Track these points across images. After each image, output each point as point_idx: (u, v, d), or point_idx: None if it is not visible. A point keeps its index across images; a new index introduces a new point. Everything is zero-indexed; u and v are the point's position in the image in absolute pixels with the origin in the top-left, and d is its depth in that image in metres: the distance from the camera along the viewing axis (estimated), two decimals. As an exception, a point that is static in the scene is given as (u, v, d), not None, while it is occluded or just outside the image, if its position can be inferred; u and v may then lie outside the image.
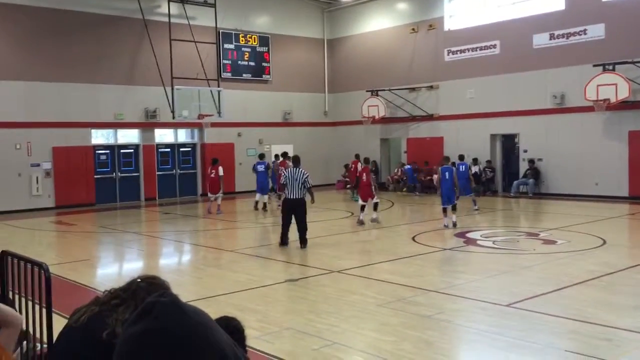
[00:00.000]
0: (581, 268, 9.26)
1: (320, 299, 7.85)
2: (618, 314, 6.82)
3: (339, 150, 26.01)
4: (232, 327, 2.26)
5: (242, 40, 24.70)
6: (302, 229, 11.23)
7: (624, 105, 18.25)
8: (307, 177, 11.16)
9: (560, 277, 8.60)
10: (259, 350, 5.60)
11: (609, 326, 6.28)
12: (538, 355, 5.69)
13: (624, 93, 17.80)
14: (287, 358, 5.69)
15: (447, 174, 14.08)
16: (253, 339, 5.65)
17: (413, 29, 24.19)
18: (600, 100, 18.24)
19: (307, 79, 26.71)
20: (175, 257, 12.34)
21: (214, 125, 22.73)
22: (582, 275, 8.68)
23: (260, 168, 18.42)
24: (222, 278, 9.46)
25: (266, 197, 18.18)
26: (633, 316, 6.79)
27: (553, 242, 11.67)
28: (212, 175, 17.87)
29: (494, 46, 21.83)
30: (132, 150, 22.35)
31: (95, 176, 21.17)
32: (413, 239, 12.46)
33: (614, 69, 18.10)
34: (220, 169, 17.87)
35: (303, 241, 11.25)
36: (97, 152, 21.44)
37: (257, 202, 18.09)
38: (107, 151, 21.78)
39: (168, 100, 20.71)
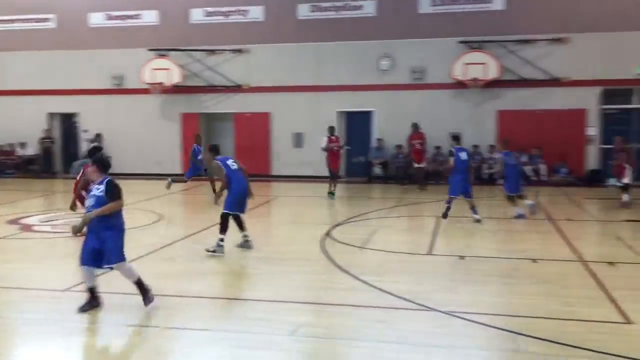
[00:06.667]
0: (144, 242, 9.43)
1: None
2: (168, 282, 7.21)
3: None
4: None
5: None
6: None
7: (177, 89, 19.58)
8: None
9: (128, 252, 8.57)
10: None
11: (170, 295, 6.57)
12: (98, 333, 5.60)
13: (176, 78, 19.16)
14: None
15: None
16: None
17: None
18: (156, 84, 19.24)
19: None
20: None
21: None
22: (145, 250, 8.86)
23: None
24: None
25: None
26: (187, 282, 7.30)
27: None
28: None
29: (48, 19, 20.52)
30: None
31: None
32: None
33: (167, 55, 19.29)
34: None
35: None
36: None
37: None
38: None
39: None
